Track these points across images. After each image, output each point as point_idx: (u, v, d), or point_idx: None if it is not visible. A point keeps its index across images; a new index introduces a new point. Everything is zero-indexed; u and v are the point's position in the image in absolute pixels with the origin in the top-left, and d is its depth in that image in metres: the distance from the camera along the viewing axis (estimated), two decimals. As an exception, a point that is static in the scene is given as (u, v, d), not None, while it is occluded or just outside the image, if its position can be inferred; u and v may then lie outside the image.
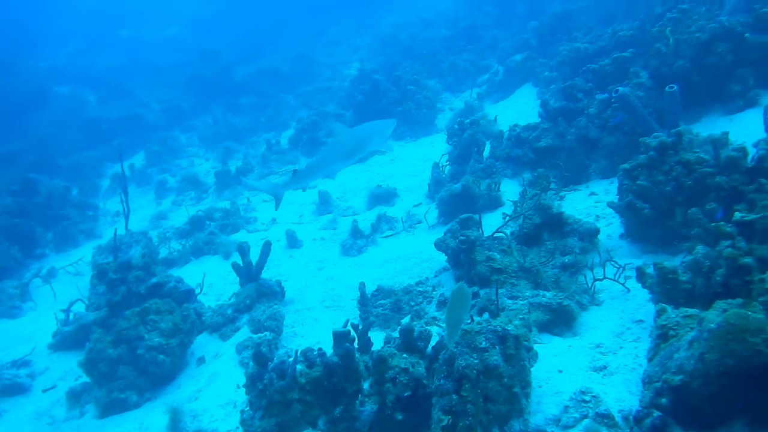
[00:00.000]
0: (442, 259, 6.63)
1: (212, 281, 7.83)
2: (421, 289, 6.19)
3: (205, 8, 33.29)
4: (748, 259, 3.77)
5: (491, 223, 7.36)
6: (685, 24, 7.60)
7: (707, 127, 7.35)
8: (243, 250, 6.57)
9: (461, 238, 5.93)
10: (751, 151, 5.84)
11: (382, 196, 9.92)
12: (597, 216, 6.66)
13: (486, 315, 5.22)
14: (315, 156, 7.72)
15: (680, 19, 8.27)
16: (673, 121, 6.99)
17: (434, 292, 6.12)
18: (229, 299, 6.80)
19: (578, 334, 4.83)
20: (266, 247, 6.77)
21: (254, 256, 6.78)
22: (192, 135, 18.14)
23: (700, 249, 4.20)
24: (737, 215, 4.25)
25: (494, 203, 8.05)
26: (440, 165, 9.35)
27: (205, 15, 32.21)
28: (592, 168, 7.75)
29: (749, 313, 2.97)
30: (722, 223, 4.27)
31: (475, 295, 5.53)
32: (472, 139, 9.09)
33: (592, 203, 7.12)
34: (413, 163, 11.38)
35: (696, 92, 7.53)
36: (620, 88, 7.08)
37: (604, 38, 10.26)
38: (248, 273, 6.58)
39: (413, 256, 7.31)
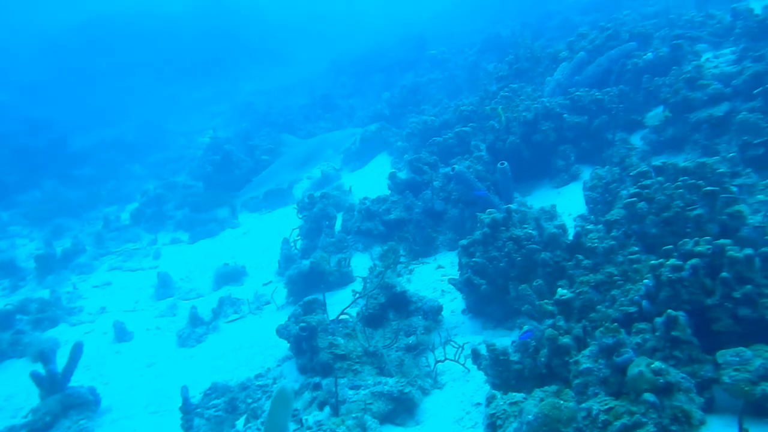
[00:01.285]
0: (286, 345, 6.28)
1: (13, 392, 6.71)
2: (260, 382, 5.76)
3: (36, 73, 30.57)
4: (566, 339, 3.90)
5: (342, 300, 7.21)
6: (515, 103, 8.29)
7: (539, 199, 7.95)
8: (45, 356, 5.70)
9: (302, 324, 5.66)
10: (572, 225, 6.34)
11: (230, 275, 9.41)
12: (443, 291, 6.76)
13: (327, 409, 4.94)
14: (269, 167, 7.61)
15: (511, 97, 9.03)
16: (507, 194, 7.45)
17: (275, 385, 5.72)
18: (25, 417, 5.81)
19: (420, 422, 4.69)
20: (76, 350, 5.95)
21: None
22: (16, 212, 16.26)
23: (525, 329, 4.31)
24: (559, 292, 4.45)
25: (345, 279, 7.93)
26: (291, 240, 9.12)
27: (37, 80, 29.53)
28: (439, 240, 7.95)
29: (562, 402, 3.00)
30: (545, 301, 4.44)
31: (317, 386, 5.24)
32: (323, 213, 9.01)
33: (439, 277, 7.24)
34: (267, 236, 11.04)
35: (528, 166, 8.15)
36: (456, 166, 7.44)
37: (448, 112, 10.92)
38: (51, 383, 5.70)
39: (257, 344, 6.88)
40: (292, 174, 6.95)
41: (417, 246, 7.89)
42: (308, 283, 7.72)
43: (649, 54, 8.44)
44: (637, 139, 8.15)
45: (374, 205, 8.72)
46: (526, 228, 5.73)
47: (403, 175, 8.87)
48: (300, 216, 9.36)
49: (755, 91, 6.33)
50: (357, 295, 6.75)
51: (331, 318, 6.19)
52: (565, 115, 8.00)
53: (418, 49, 17.27)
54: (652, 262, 3.98)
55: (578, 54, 9.02)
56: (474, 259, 5.65)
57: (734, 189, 5.37)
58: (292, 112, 17.88)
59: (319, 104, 17.48)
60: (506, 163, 7.19)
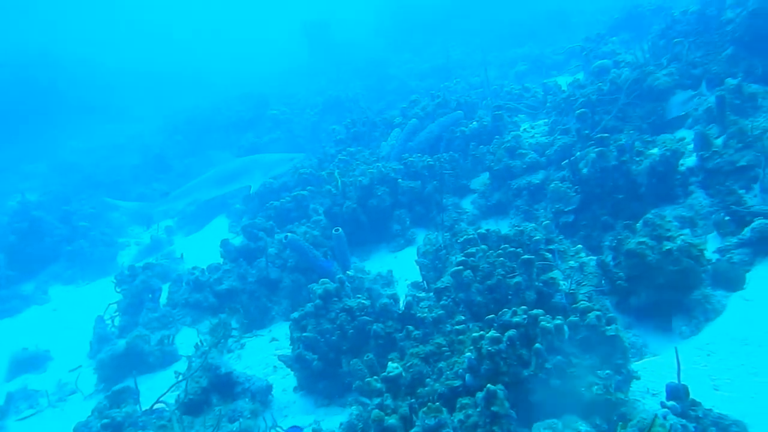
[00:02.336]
0: (88, 447, 5.40)
1: None
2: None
3: None
4: (392, 420, 3.75)
5: (163, 383, 6.50)
6: (352, 167, 8.37)
7: (377, 263, 7.99)
8: None
9: (105, 420, 4.91)
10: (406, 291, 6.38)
11: (29, 361, 8.12)
12: (275, 367, 6.37)
13: None
14: (193, 180, 7.22)
15: (348, 161, 9.14)
16: (343, 260, 7.36)
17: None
18: None
19: None
20: None
21: None
22: None
23: (353, 410, 4.10)
24: (388, 367, 4.33)
25: (168, 359, 7.21)
26: (107, 317, 8.14)
27: None
28: (275, 311, 7.58)
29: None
30: (374, 378, 4.28)
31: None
32: (146, 285, 8.21)
33: (272, 351, 6.83)
34: (81, 313, 9.78)
35: (365, 231, 8.19)
36: (289, 234, 7.23)
37: (287, 174, 10.76)
38: None
39: (52, 447, 5.86)
40: (214, 191, 6.74)
41: (250, 318, 7.43)
42: (123, 367, 6.88)
43: (475, 123, 9.09)
44: (468, 203, 8.62)
45: (205, 274, 8.15)
46: (359, 298, 5.62)
47: (237, 241, 8.43)
48: (119, 290, 8.43)
49: (563, 162, 6.99)
50: (179, 377, 6.11)
51: (145, 407, 5.50)
52: (399, 180, 8.23)
53: (259, 107, 17.13)
54: (474, 334, 4.02)
55: (411, 120, 9.46)
56: (305, 334, 5.38)
57: (549, 255, 5.78)
58: (121, 173, 16.58)
59: (152, 164, 16.43)
60: (341, 230, 7.13)
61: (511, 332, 3.88)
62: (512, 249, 5.37)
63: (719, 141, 6.23)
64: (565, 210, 6.65)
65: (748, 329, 4.27)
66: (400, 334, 4.98)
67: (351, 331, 5.32)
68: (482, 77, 12.75)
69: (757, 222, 5.03)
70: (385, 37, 27.32)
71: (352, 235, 7.88)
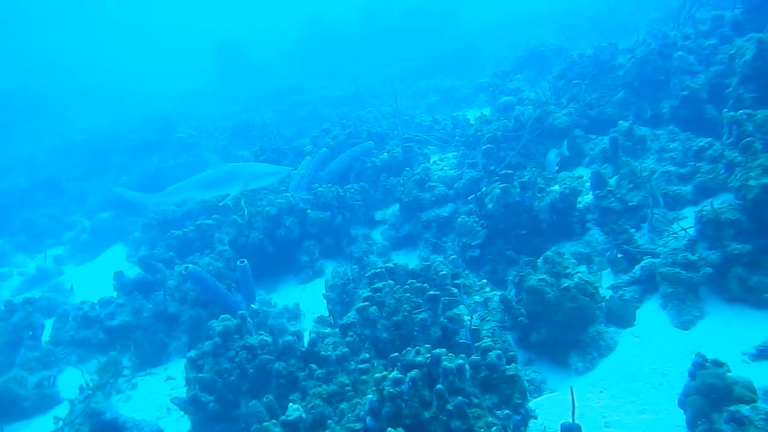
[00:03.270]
0: None
1: None
2: None
3: None
4: (289, 471, 3.57)
5: (43, 430, 5.94)
6: (258, 197, 8.16)
7: (284, 296, 7.78)
8: None
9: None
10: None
11: None
12: (169, 408, 5.98)
13: None
14: (185, 179, 7.61)
15: (256, 189, 8.90)
16: (248, 293, 7.11)
17: None
18: None
19: None
20: None
21: None
22: None
23: (249, 460, 3.88)
24: (289, 409, 4.16)
25: (48, 403, 6.60)
26: (-24, 357, 7.34)
27: None
28: (172, 347, 7.16)
29: None
30: (272, 422, 4.10)
31: None
32: (25, 322, 7.50)
33: (168, 390, 6.44)
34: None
35: (273, 262, 7.98)
36: (190, 265, 6.91)
37: (192, 201, 10.33)
38: None
39: None
40: (203, 193, 7.28)
41: (144, 355, 6.97)
42: (-8, 414, 6.20)
43: (385, 154, 9.18)
44: (378, 234, 8.63)
45: (95, 308, 7.58)
46: (261, 335, 5.41)
47: (132, 273, 7.94)
48: (-8, 326, 7.64)
49: (469, 197, 7.17)
50: (58, 424, 5.61)
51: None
52: (308, 210, 8.11)
53: (165, 130, 16.45)
54: (377, 375, 3.94)
55: (321, 150, 9.40)
56: (201, 375, 5.09)
57: (455, 290, 5.86)
58: (6, 196, 15.28)
59: (43, 187, 15.28)
60: (246, 262, 6.88)
61: (414, 373, 3.84)
62: (419, 284, 5.40)
63: (613, 180, 6.64)
64: (472, 244, 6.79)
65: (637, 366, 4.50)
66: (303, 373, 4.82)
67: (251, 370, 5.09)
68: (394, 107, 12.98)
69: (646, 261, 5.36)
70: (301, 61, 27.28)
71: (259, 267, 7.65)
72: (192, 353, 5.43)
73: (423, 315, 5.05)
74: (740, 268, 4.76)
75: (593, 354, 4.82)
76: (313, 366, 4.80)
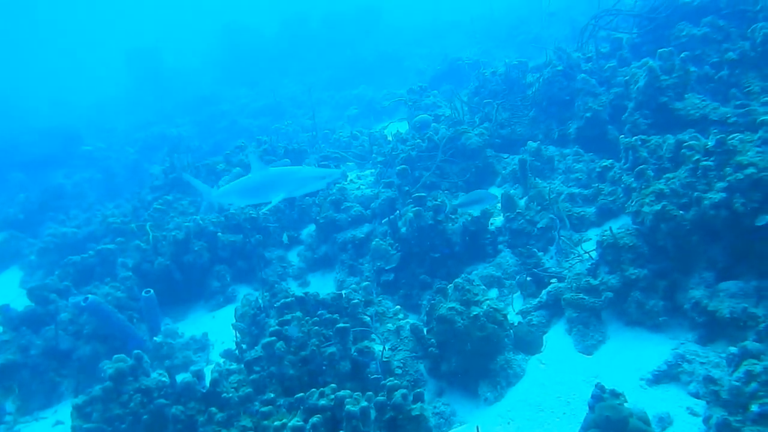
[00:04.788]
0: None
1: None
2: None
3: None
4: None
5: None
6: (164, 221, 7.75)
7: (193, 324, 7.41)
8: None
9: None
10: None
11: None
12: (57, 459, 5.52)
13: None
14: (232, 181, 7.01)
15: (165, 210, 8.47)
16: (154, 324, 6.72)
17: None
18: None
19: None
20: None
21: None
22: None
23: None
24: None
25: None
26: None
27: None
28: (64, 386, 6.62)
29: None
30: (164, 480, 3.81)
31: None
32: None
33: (56, 437, 5.95)
34: None
35: (181, 289, 7.59)
36: (90, 296, 6.44)
37: (95, 222, 9.72)
38: None
39: None
40: (244, 199, 6.57)
41: (30, 398, 6.41)
42: None
43: (301, 173, 8.96)
44: (294, 256, 8.40)
45: (-24, 346, 6.90)
46: (161, 375, 5.07)
47: (21, 305, 7.30)
48: None
49: (383, 220, 7.09)
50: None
51: None
52: (219, 233, 7.78)
53: (70, 143, 15.45)
54: (276, 423, 3.76)
55: (234, 169, 9.08)
56: (86, 425, 4.70)
57: (367, 319, 5.75)
58: None
59: None
60: (152, 291, 6.50)
61: (316, 419, 3.69)
62: (329, 315, 5.25)
63: (522, 202, 6.76)
64: (386, 268, 6.71)
65: (543, 395, 4.54)
66: (203, 418, 4.54)
67: (146, 416, 4.75)
68: (313, 121, 12.80)
69: (552, 285, 5.45)
70: (220, 69, 26.48)
71: (166, 294, 7.25)
72: (78, 400, 5.01)
73: (332, 349, 4.90)
74: (638, 292, 4.92)
75: (502, 383, 4.83)
76: (213, 409, 4.54)
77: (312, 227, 8.42)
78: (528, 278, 5.86)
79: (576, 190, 6.72)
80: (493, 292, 6.09)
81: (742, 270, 4.56)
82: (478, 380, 4.92)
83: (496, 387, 4.81)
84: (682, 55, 6.43)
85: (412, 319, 6.22)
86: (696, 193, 4.63)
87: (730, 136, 4.75)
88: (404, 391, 3.94)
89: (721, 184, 4.52)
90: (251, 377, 4.92)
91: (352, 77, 21.44)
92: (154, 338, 6.68)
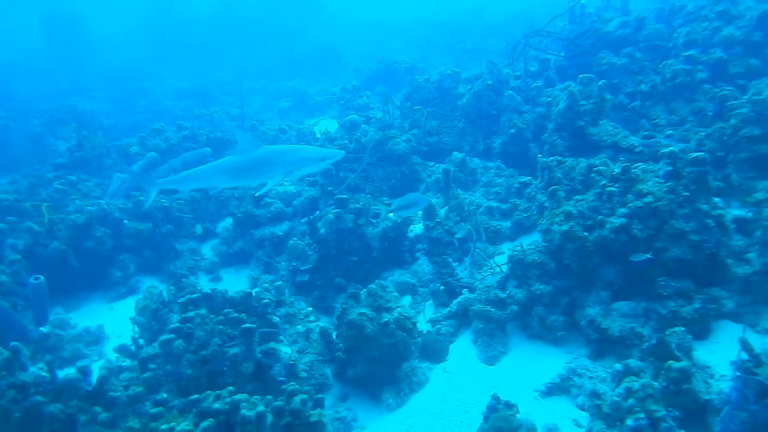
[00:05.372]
0: None
1: None
2: None
3: None
4: None
5: None
6: (64, 203, 7.38)
7: (89, 315, 7.10)
8: None
9: None
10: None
11: None
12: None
13: None
14: (206, 163, 6.13)
15: (67, 191, 8.07)
16: (41, 313, 6.38)
17: None
18: None
19: None
20: None
21: None
22: None
23: None
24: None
25: None
26: None
27: None
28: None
29: None
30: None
31: None
32: None
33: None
34: None
35: (78, 276, 7.25)
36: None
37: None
38: None
39: None
40: (227, 181, 5.67)
41: None
42: None
43: (222, 164, 8.79)
44: (207, 249, 8.22)
45: None
46: (41, 368, 4.82)
47: None
48: None
49: (303, 220, 7.08)
50: None
51: None
52: (125, 220, 7.50)
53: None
54: (163, 427, 3.68)
55: (150, 153, 8.78)
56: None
57: (276, 320, 5.72)
58: None
59: None
60: (42, 278, 6.17)
61: (207, 423, 3.64)
62: (235, 315, 5.19)
63: (443, 212, 6.94)
64: (302, 269, 6.70)
65: (444, 403, 4.69)
66: (84, 417, 4.36)
67: (17, 414, 4.50)
68: (241, 110, 12.56)
69: (463, 296, 5.63)
70: (147, 44, 25.48)
71: (60, 282, 6.91)
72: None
73: (235, 350, 4.85)
74: (541, 307, 5.17)
75: (405, 390, 4.94)
76: (98, 409, 4.37)
77: (229, 221, 8.28)
78: (441, 287, 6.03)
79: (494, 204, 6.98)
80: (407, 299, 6.23)
81: (634, 292, 4.91)
82: (383, 386, 5.01)
83: (399, 394, 4.91)
84: (600, 83, 6.82)
85: (324, 322, 6.26)
86: (600, 217, 4.93)
87: (634, 165, 5.10)
88: (304, 396, 3.96)
89: (622, 210, 4.84)
90: (144, 375, 4.79)
91: (287, 68, 21.21)
92: (40, 328, 6.35)
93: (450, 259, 6.29)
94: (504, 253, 6.31)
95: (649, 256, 4.66)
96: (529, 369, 4.92)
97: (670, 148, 5.07)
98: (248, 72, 20.69)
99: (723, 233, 4.88)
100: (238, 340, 4.94)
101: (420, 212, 7.08)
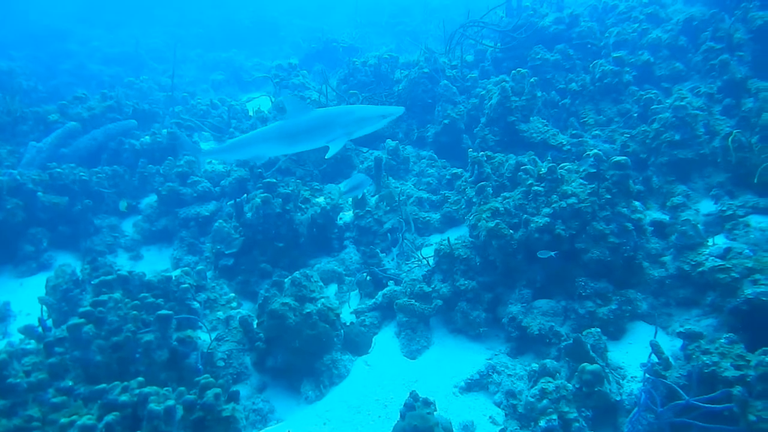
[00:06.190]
0: None
1: None
2: None
3: None
4: None
5: None
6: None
7: (-4, 291, 6.64)
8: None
9: None
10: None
11: None
12: None
13: None
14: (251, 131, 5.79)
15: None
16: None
17: None
18: None
19: None
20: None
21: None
22: None
23: None
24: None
25: None
26: None
27: None
28: None
29: None
30: None
31: None
32: None
33: None
34: None
35: (-15, 251, 6.74)
36: None
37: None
38: None
39: None
40: (281, 148, 5.26)
41: None
42: None
43: (147, 137, 8.37)
44: (129, 226, 7.82)
45: None
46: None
47: None
48: None
49: (229, 203, 6.83)
50: None
51: None
52: (39, 192, 7.01)
53: None
54: (63, 420, 3.46)
55: (69, 123, 8.23)
56: None
57: (196, 305, 5.51)
58: None
59: None
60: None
61: (111, 417, 3.45)
62: (152, 300, 4.95)
63: (373, 200, 6.85)
64: (226, 252, 6.48)
65: (363, 397, 4.65)
66: (-19, 406, 4.06)
67: None
68: (173, 80, 11.99)
69: (388, 288, 5.59)
70: (75, 2, 23.92)
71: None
72: None
73: (149, 337, 4.62)
74: (464, 302, 5.20)
75: (325, 383, 4.87)
76: (-4, 397, 4.07)
77: (153, 197, 7.90)
78: (368, 277, 5.97)
79: (425, 195, 6.96)
80: (332, 288, 6.14)
81: (556, 290, 5.01)
82: (302, 378, 4.92)
83: (318, 386, 4.84)
84: (532, 80, 6.88)
85: (247, 307, 6.10)
86: (525, 216, 4.98)
87: (560, 165, 5.17)
88: (218, 390, 3.81)
89: (546, 210, 4.91)
90: (49, 361, 4.50)
91: (225, 38, 20.45)
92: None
93: (378, 250, 6.23)
94: (432, 245, 6.30)
95: (552, 254, 4.74)
96: (450, 364, 4.95)
97: (595, 151, 5.17)
98: (183, 39, 19.77)
99: (641, 236, 5.05)
100: (153, 327, 4.71)
101: (350, 199, 6.99)
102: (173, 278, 5.41)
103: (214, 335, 5.27)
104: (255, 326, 5.15)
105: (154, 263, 7.23)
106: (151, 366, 4.61)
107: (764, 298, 4.20)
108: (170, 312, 4.76)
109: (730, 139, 5.53)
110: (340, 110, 5.41)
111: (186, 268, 6.14)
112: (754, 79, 6.81)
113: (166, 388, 3.85)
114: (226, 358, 5.10)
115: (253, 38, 20.36)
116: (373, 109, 5.52)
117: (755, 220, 5.08)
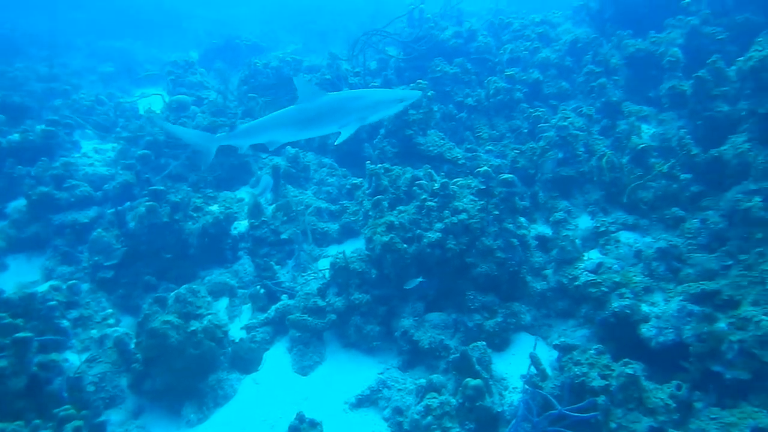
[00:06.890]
0: None
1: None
2: None
3: None
4: None
5: None
6: None
7: None
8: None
9: None
10: None
11: None
12: None
13: None
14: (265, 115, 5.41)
15: None
16: None
17: None
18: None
19: None
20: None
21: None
22: None
23: None
24: None
25: None
26: None
27: None
28: None
29: None
30: None
31: None
32: None
33: None
34: None
35: None
36: None
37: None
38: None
39: None
40: (295, 133, 5.04)
41: None
42: None
43: (17, 135, 7.64)
44: (-6, 232, 7.06)
45: None
46: None
47: None
48: None
49: (110, 211, 6.35)
50: None
51: None
52: None
53: None
54: None
55: None
56: None
57: (65, 324, 5.06)
58: None
59: None
60: None
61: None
62: (10, 320, 4.46)
63: (270, 210, 6.61)
64: (106, 264, 6.01)
65: (250, 418, 4.47)
66: None
67: None
68: (53, 71, 11.05)
69: (281, 302, 5.41)
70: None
71: None
72: None
73: (2, 363, 4.15)
74: (358, 316, 5.13)
75: (209, 404, 4.62)
76: None
77: (23, 201, 7.19)
78: (261, 291, 5.74)
79: (324, 205, 6.81)
80: (224, 302, 5.85)
81: (447, 304, 5.05)
82: (184, 400, 4.64)
83: (201, 408, 4.58)
84: (429, 94, 6.93)
85: (126, 323, 5.68)
86: (418, 231, 4.98)
87: (453, 181, 5.23)
88: (78, 423, 3.49)
89: (439, 225, 4.94)
90: None
91: (120, 25, 19.15)
92: None
93: (272, 262, 6.02)
94: (330, 256, 6.17)
95: (420, 280, 4.86)
96: (342, 379, 4.85)
97: (484, 168, 5.27)
98: (74, 22, 18.38)
99: (525, 251, 5.20)
100: (8, 351, 4.24)
101: (245, 208, 6.72)
102: (38, 295, 4.93)
103: (84, 357, 4.85)
104: (133, 346, 4.79)
105: (22, 274, 6.58)
106: (5, 396, 4.15)
107: (628, 311, 4.47)
108: (30, 334, 4.32)
109: (604, 160, 5.83)
110: (354, 94, 5.27)
111: (57, 281, 5.64)
112: (627, 102, 7.28)
113: (16, 423, 3.47)
114: (97, 382, 4.71)
115: (153, 28, 19.26)
116: (389, 93, 5.45)
117: (624, 236, 5.39)
